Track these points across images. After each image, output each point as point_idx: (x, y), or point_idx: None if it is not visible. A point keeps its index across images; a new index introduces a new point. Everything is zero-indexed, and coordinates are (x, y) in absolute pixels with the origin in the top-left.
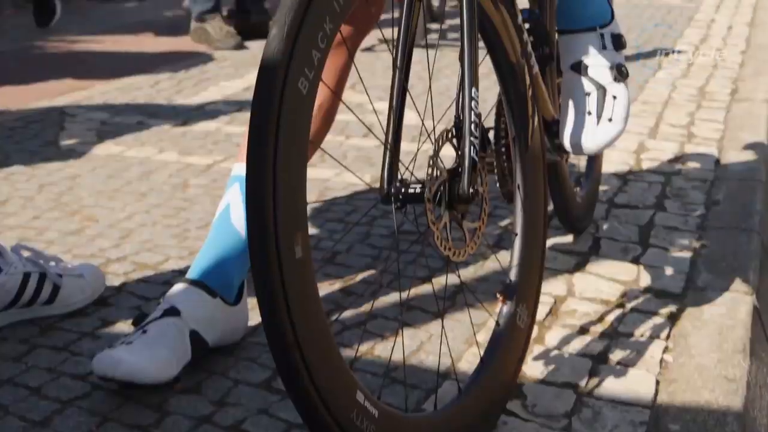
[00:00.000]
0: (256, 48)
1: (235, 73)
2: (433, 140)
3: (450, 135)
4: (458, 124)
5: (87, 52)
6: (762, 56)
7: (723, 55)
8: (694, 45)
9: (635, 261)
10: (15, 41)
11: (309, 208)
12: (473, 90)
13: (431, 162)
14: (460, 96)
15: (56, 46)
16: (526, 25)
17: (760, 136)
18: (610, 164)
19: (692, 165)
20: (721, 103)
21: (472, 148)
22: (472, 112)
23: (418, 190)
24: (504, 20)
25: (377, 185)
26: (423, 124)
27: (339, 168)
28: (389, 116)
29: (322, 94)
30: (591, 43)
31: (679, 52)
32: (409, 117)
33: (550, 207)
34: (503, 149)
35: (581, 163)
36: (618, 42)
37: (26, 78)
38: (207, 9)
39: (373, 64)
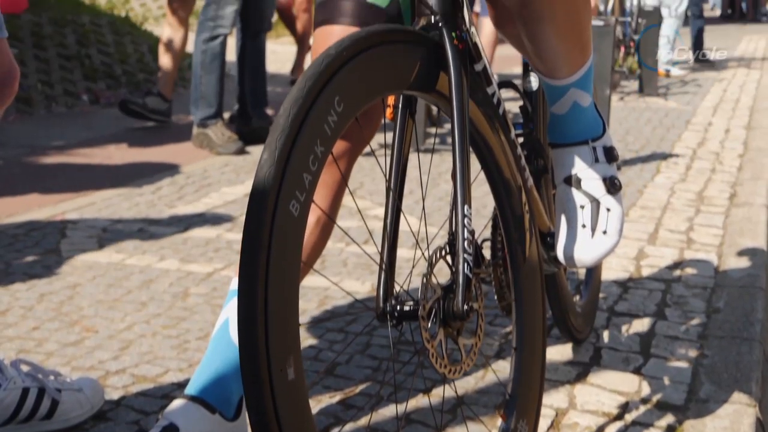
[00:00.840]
0: (257, 153)
1: (236, 178)
2: (427, 257)
3: (444, 252)
4: (452, 241)
5: (90, 158)
6: (760, 160)
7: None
8: (691, 149)
9: (637, 371)
10: (18, 147)
11: (309, 316)
12: (466, 207)
13: (425, 280)
14: (453, 213)
15: (59, 153)
16: (520, 139)
17: (760, 242)
18: (610, 271)
19: (692, 272)
20: (720, 208)
21: (465, 265)
22: (465, 229)
23: (412, 308)
24: (497, 135)
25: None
26: (417, 243)
27: (339, 275)
28: (383, 236)
29: (317, 210)
30: (583, 157)
31: (677, 155)
32: (409, 222)
33: (550, 316)
34: (500, 261)
35: (581, 270)
36: (610, 155)
37: (29, 185)
38: (209, 115)
39: (374, 169)
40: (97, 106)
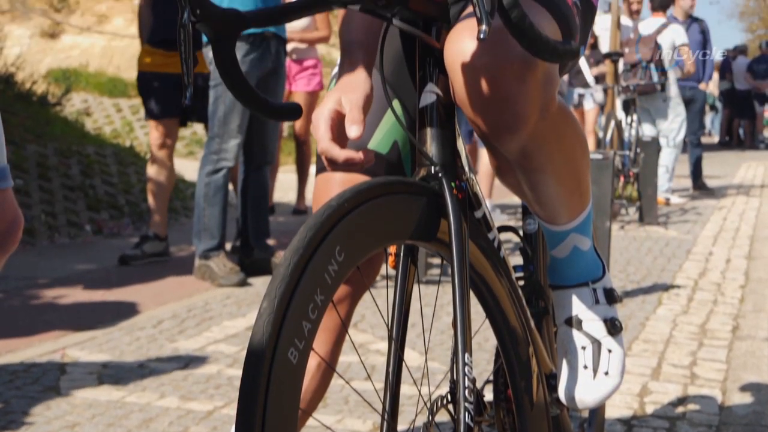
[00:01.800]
0: (259, 285)
1: (237, 311)
2: (428, 407)
3: (445, 401)
4: (453, 389)
5: (92, 290)
6: (761, 291)
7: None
8: (693, 279)
9: None
10: (19, 279)
11: None
12: (467, 356)
13: (427, 430)
14: (454, 362)
15: (61, 285)
16: (521, 282)
17: (764, 377)
18: (614, 408)
19: (696, 408)
20: (723, 341)
21: (467, 413)
22: (466, 378)
23: None
24: (498, 280)
25: None
26: (420, 393)
27: (341, 413)
28: (385, 386)
29: (316, 357)
30: (584, 298)
31: (678, 287)
32: (411, 357)
33: None
34: (503, 404)
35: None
36: (611, 296)
37: (29, 319)
38: (212, 247)
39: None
40: (100, 236)
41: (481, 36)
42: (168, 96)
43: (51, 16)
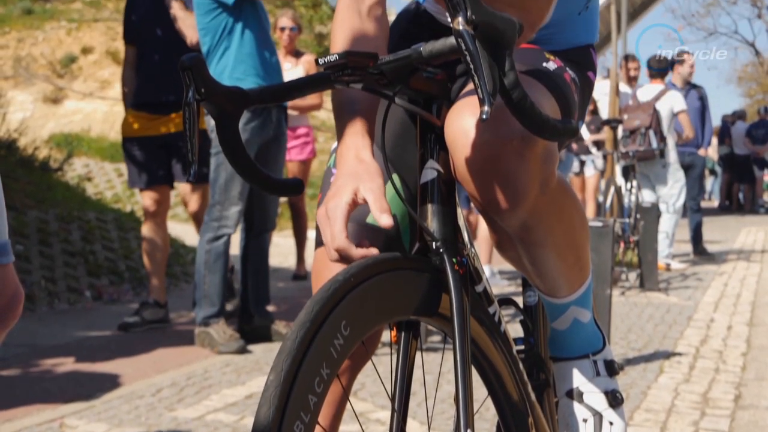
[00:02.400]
0: (259, 352)
1: (237, 379)
2: None
3: None
4: None
5: (91, 358)
6: (763, 359)
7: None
8: (694, 347)
9: None
10: (18, 346)
11: None
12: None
13: None
14: None
15: (60, 352)
16: (521, 354)
17: None
18: None
19: None
20: (725, 410)
21: None
22: None
23: None
24: (499, 354)
25: None
26: None
27: None
28: None
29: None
30: (584, 371)
31: (680, 354)
32: (413, 427)
33: None
34: None
35: None
36: (611, 368)
37: (28, 387)
38: (212, 314)
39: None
40: (100, 302)
41: (484, 117)
42: (154, 161)
43: (54, 81)
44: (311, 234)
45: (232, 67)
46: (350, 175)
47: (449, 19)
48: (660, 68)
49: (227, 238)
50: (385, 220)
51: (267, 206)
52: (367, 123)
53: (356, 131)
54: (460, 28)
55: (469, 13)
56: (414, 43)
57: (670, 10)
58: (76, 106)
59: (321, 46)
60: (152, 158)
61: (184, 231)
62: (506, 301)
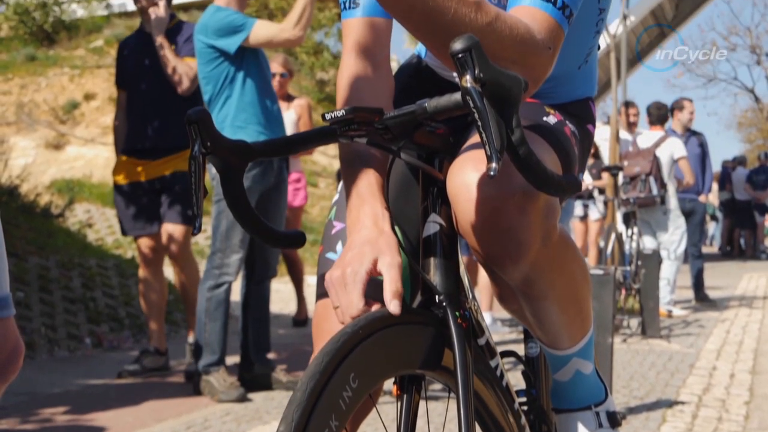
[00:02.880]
0: (259, 400)
1: (237, 428)
2: None
3: None
4: None
5: (90, 406)
6: (767, 407)
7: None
8: (697, 395)
9: None
10: (17, 395)
11: None
12: None
13: None
14: None
15: (59, 401)
16: (524, 406)
17: None
18: None
19: None
20: None
21: None
22: None
23: None
24: (501, 407)
25: None
26: None
27: None
28: None
29: None
30: (587, 422)
31: (682, 403)
32: None
33: None
34: None
35: None
36: (613, 419)
37: None
38: (212, 362)
39: (377, 418)
40: (100, 350)
41: (491, 173)
42: (145, 208)
43: (56, 127)
44: (308, 279)
45: (233, 115)
46: (370, 243)
47: (456, 77)
48: (659, 115)
49: (228, 286)
50: (394, 307)
51: (268, 253)
52: (381, 182)
53: (373, 193)
54: (468, 85)
55: (477, 71)
56: (415, 97)
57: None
58: (77, 152)
59: (322, 92)
60: (143, 205)
61: None
62: (508, 353)
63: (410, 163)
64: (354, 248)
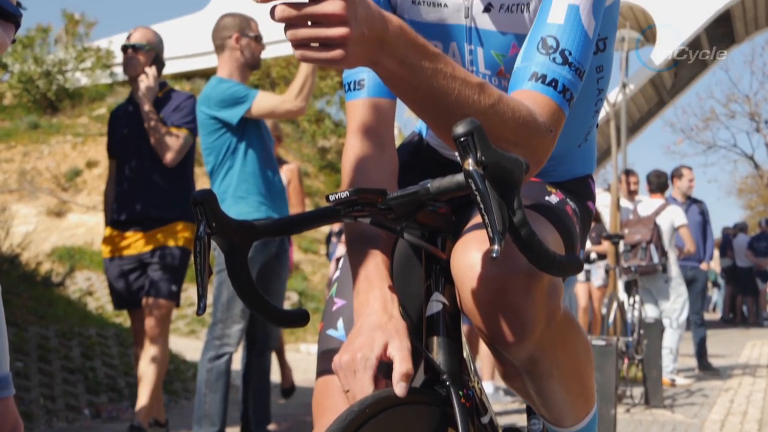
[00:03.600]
0: None
1: None
2: None
3: None
4: None
5: None
6: None
7: None
8: None
9: None
10: None
11: None
12: None
13: None
14: None
15: None
16: None
17: None
18: None
19: None
20: None
21: None
22: None
23: None
24: None
25: None
26: None
27: None
28: None
29: None
30: None
31: None
32: None
33: None
34: None
35: None
36: None
37: None
38: None
39: None
40: (98, 421)
41: (494, 255)
42: (134, 281)
43: (58, 195)
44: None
45: (235, 185)
46: (380, 329)
47: (457, 157)
48: (659, 183)
49: (229, 357)
50: (400, 389)
51: (269, 324)
52: (387, 264)
53: (381, 276)
54: (471, 168)
55: (479, 155)
56: (416, 174)
57: (669, 123)
58: (79, 219)
59: (324, 159)
60: (130, 279)
61: (185, 346)
62: (512, 429)
63: (414, 244)
64: (364, 333)
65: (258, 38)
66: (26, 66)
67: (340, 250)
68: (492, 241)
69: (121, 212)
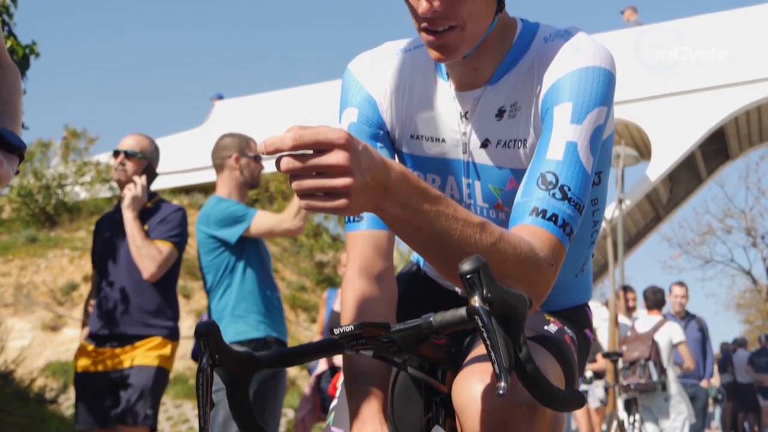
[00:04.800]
0: None
1: None
2: None
3: None
4: None
5: None
6: None
7: None
8: None
9: None
10: None
11: None
12: None
13: None
14: None
15: None
16: None
17: None
18: None
19: None
20: None
21: None
22: None
23: None
24: None
25: None
26: None
27: None
28: None
29: None
30: None
31: None
32: None
33: None
34: None
35: None
36: None
37: None
38: None
39: None
40: None
41: (500, 392)
42: (101, 401)
43: (54, 309)
44: None
45: (233, 304)
46: None
47: (455, 288)
48: (656, 300)
49: None
50: None
51: None
52: (383, 402)
53: (375, 416)
54: (477, 305)
55: (485, 291)
56: (414, 303)
57: (665, 238)
58: (74, 334)
59: (321, 274)
60: (99, 398)
61: None
62: None
63: (416, 377)
64: None
65: (257, 158)
66: (26, 180)
67: (322, 365)
68: (498, 378)
69: (99, 325)
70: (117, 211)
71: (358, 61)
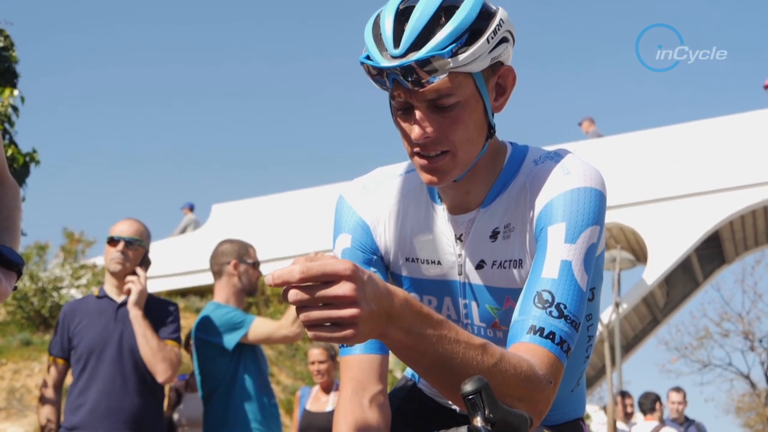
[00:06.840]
0: None
1: None
2: None
3: None
4: None
5: None
6: None
7: None
8: None
9: None
10: None
11: None
12: None
13: None
14: None
15: None
16: None
17: None
18: None
19: None
20: None
21: None
22: None
23: None
24: None
25: None
26: None
27: None
28: None
29: None
30: None
31: None
32: None
33: None
34: None
35: None
36: None
37: None
38: None
39: None
40: None
41: None
42: None
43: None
44: None
45: (232, 412)
46: None
47: (451, 404)
48: (651, 404)
49: None
50: None
51: None
52: None
53: None
54: (479, 425)
55: (487, 412)
56: (407, 419)
57: (663, 342)
58: None
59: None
60: None
61: None
62: None
63: None
64: None
65: (256, 265)
66: (21, 283)
67: None
68: None
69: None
70: (94, 302)
71: (350, 187)
